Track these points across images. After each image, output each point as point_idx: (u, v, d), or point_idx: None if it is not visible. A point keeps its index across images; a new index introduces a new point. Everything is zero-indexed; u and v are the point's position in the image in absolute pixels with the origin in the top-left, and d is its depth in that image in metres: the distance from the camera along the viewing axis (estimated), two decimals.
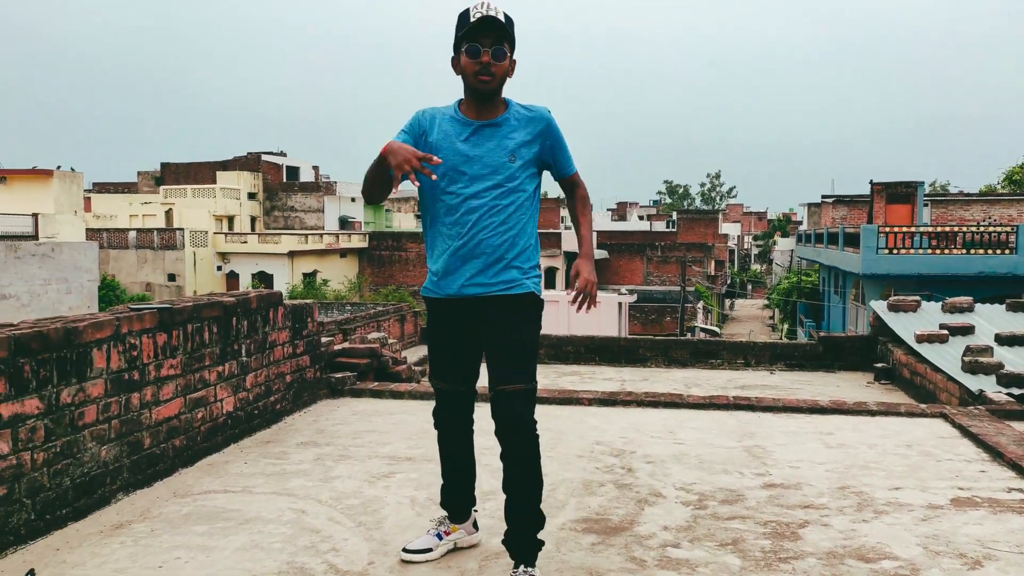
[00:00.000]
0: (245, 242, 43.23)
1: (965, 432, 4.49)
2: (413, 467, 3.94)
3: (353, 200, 51.28)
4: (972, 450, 4.23)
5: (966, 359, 6.05)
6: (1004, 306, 8.14)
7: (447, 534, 2.84)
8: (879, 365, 7.90)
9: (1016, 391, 5.51)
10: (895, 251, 19.41)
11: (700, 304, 37.46)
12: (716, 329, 23.46)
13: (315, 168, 54.17)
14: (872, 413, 5.04)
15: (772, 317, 49.49)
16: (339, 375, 5.69)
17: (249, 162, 49.15)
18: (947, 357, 6.53)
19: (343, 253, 44.95)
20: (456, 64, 2.60)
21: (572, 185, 2.80)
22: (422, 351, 27.66)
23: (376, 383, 5.86)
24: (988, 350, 6.24)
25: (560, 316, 23.37)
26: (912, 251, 19.38)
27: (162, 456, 3.73)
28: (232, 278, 43.40)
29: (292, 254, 41.79)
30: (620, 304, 25.28)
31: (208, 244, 43.15)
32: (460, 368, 2.76)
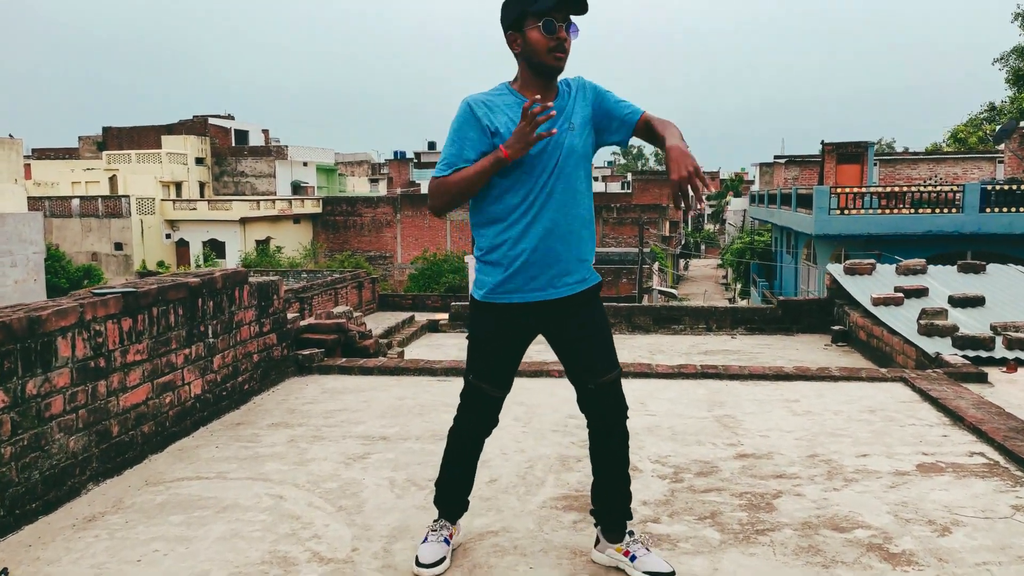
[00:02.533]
0: (194, 209, 42.19)
1: (925, 396, 4.63)
2: (389, 447, 3.92)
3: (305, 164, 50.33)
4: (933, 414, 4.37)
5: (922, 322, 6.22)
6: (955, 267, 8.37)
7: (451, 536, 2.68)
8: (836, 328, 8.09)
9: (971, 353, 5.69)
10: (846, 211, 19.80)
11: (656, 265, 37.88)
12: (674, 292, 23.77)
13: (265, 132, 52.95)
14: (835, 379, 5.17)
15: (725, 277, 50.31)
16: (306, 352, 5.62)
17: (196, 126, 47.82)
18: (903, 320, 6.70)
19: (296, 219, 44.23)
20: (517, 40, 2.37)
21: (647, 123, 2.46)
22: (384, 319, 27.31)
23: (344, 359, 5.81)
24: (943, 312, 6.42)
25: None
26: (863, 211, 19.79)
27: (131, 444, 3.65)
28: (182, 246, 42.46)
29: (244, 221, 40.96)
30: None
31: (156, 211, 42.02)
32: (511, 372, 2.59)
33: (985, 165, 30.47)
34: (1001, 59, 41.39)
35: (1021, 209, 18.28)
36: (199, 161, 46.99)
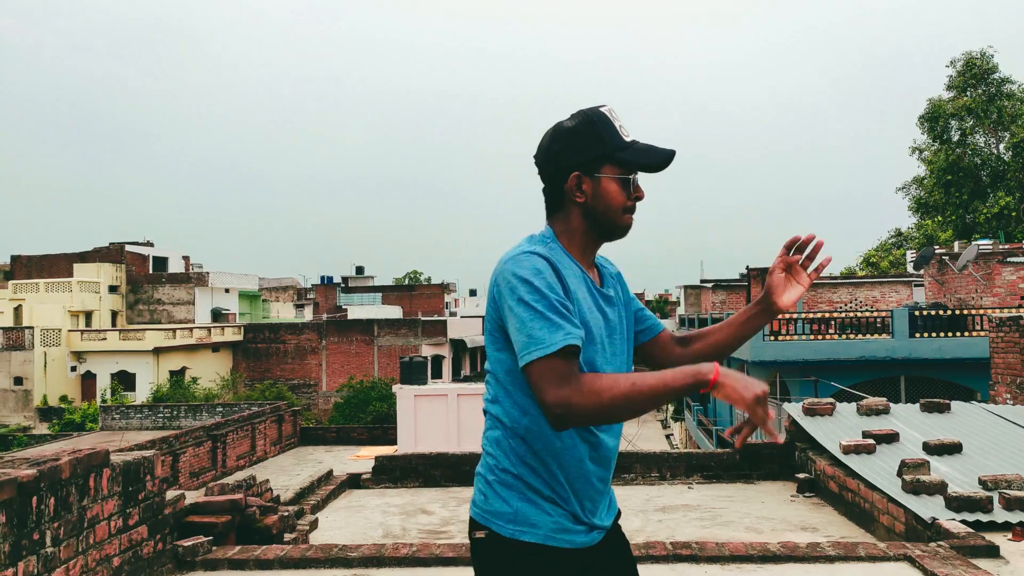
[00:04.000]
0: (104, 339, 39.87)
1: None
2: None
3: (227, 291, 48.78)
4: None
5: (906, 477, 5.55)
6: (918, 406, 7.87)
7: None
8: (801, 476, 7.38)
9: (968, 516, 5.01)
10: (780, 337, 19.68)
11: None
12: None
13: (185, 258, 51.41)
14: (830, 559, 4.37)
15: None
16: (188, 543, 4.53)
17: (111, 253, 46.04)
18: (880, 471, 6.04)
19: (215, 347, 42.23)
20: (585, 185, 1.82)
21: (670, 336, 2.06)
22: (304, 459, 25.49)
23: (238, 548, 4.72)
24: (924, 465, 5.79)
25: (450, 411, 22.33)
26: (795, 337, 19.69)
27: None
28: (88, 379, 39.81)
29: (158, 351, 38.83)
30: None
31: (61, 342, 39.56)
32: None
33: (902, 288, 31.41)
34: (903, 188, 44.02)
35: (948, 334, 18.45)
36: (113, 289, 44.98)
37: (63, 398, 38.88)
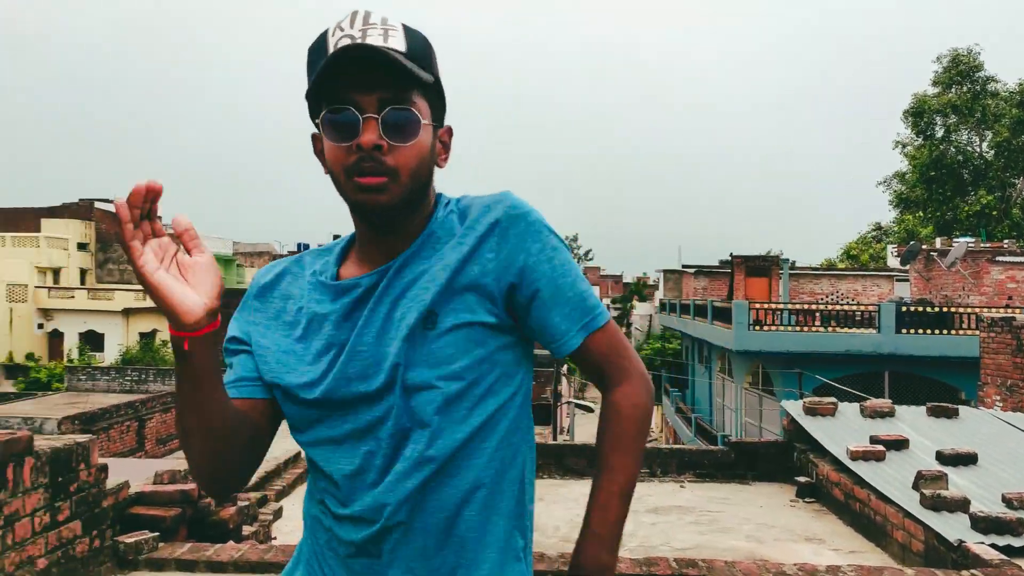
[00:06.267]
0: (72, 297, 38.84)
1: None
2: None
3: None
4: None
5: (925, 492, 5.12)
6: (924, 409, 7.47)
7: None
8: (801, 479, 6.95)
9: (998, 540, 4.58)
10: (764, 327, 19.34)
11: (565, 368, 36.91)
12: (589, 405, 22.61)
13: (158, 218, 50.18)
14: None
15: None
16: (131, 539, 3.97)
17: (81, 209, 44.75)
18: (893, 482, 5.61)
19: None
20: (315, 149, 1.23)
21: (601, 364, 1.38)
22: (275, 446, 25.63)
23: (189, 545, 4.17)
24: (942, 478, 5.36)
25: None
26: (780, 328, 19.36)
27: None
28: (55, 337, 38.82)
29: (127, 311, 37.89)
30: None
31: (28, 299, 38.50)
32: None
33: (883, 283, 31.28)
34: (884, 182, 43.92)
35: (934, 331, 18.20)
36: (82, 247, 43.79)
37: (29, 356, 37.90)
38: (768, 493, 7.12)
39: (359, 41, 1.10)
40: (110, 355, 37.17)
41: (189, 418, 1.11)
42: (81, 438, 3.69)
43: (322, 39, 1.14)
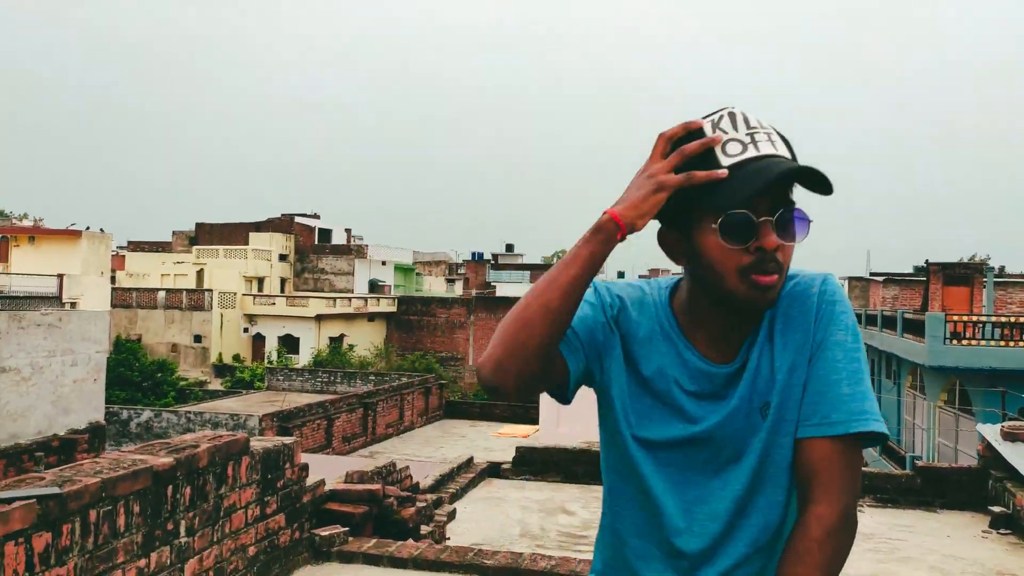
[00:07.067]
0: (273, 304, 42.60)
1: None
2: None
3: (383, 263, 50.71)
4: None
5: None
6: None
7: None
8: (996, 509, 6.44)
9: None
10: (963, 341, 17.79)
11: None
12: None
13: (347, 231, 53.96)
14: None
15: None
16: (325, 532, 4.43)
17: (283, 223, 48.98)
18: None
19: (371, 317, 44.06)
20: (667, 242, 1.29)
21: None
22: (447, 431, 26.11)
23: (374, 540, 4.59)
24: None
25: (593, 394, 21.95)
26: (981, 342, 17.73)
27: None
28: (258, 340, 42.65)
29: (319, 317, 40.99)
30: None
31: (236, 305, 42.62)
32: None
33: None
34: None
35: None
36: (282, 258, 47.87)
37: (236, 356, 41.89)
38: (957, 523, 6.65)
39: (759, 150, 1.18)
40: (304, 357, 40.34)
41: (554, 296, 1.18)
42: (287, 440, 4.19)
43: (701, 137, 1.19)
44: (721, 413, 1.26)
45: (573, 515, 6.78)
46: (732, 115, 1.21)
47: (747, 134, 1.19)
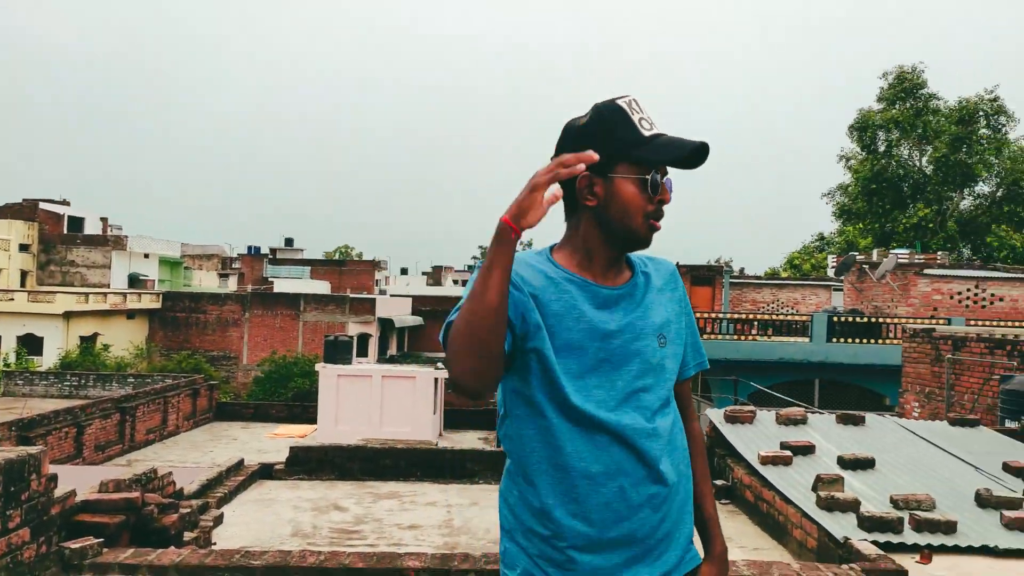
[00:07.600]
0: (11, 299, 37.87)
1: None
2: None
3: (147, 256, 46.98)
4: None
5: (820, 494, 5.62)
6: (834, 417, 8.04)
7: None
8: (719, 483, 7.44)
9: (880, 537, 5.09)
10: (704, 336, 20.02)
11: None
12: None
13: (103, 219, 49.28)
14: None
15: None
16: (76, 544, 4.21)
17: (24, 210, 43.72)
18: (795, 485, 6.11)
19: (131, 314, 40.58)
20: (597, 186, 1.67)
21: (686, 398, 2.01)
22: (217, 434, 24.79)
23: (132, 550, 4.42)
24: (839, 481, 5.87)
25: (373, 392, 21.96)
26: (719, 336, 20.07)
27: None
28: None
29: (68, 315, 37.09)
30: (436, 380, 24.18)
31: None
32: None
33: (821, 292, 32.40)
34: (828, 194, 45.31)
35: (863, 341, 19.08)
36: (23, 248, 42.77)
37: None
38: None
39: (654, 126, 1.65)
40: (49, 359, 36.36)
41: (493, 296, 1.49)
42: (33, 449, 3.92)
43: (620, 111, 1.64)
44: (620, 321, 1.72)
45: (346, 511, 6.88)
46: (636, 100, 1.67)
47: (647, 116, 1.67)
